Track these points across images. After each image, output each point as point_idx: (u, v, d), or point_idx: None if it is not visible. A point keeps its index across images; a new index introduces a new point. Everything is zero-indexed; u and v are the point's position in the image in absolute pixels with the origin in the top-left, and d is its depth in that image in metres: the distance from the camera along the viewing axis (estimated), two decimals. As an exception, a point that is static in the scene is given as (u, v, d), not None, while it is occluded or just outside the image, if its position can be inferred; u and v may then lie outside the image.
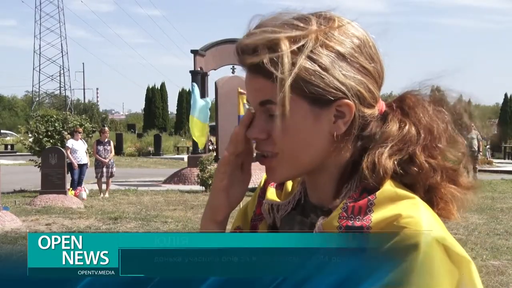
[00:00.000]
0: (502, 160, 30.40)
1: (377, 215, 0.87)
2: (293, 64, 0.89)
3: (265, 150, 0.96)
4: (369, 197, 0.89)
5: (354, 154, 0.96)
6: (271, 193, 1.09)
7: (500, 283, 6.33)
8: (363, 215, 0.88)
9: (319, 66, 0.90)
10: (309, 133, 0.92)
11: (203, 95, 18.27)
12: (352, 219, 0.88)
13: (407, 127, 0.95)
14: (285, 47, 0.89)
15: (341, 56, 0.91)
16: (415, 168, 0.92)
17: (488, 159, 27.09)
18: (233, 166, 1.03)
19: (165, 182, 17.94)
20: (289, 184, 1.08)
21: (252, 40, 0.91)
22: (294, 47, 0.89)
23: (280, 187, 1.10)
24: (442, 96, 0.99)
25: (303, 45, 0.90)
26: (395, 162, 0.92)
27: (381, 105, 0.99)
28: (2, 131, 52.36)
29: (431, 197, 0.94)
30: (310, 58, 0.90)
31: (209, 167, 15.33)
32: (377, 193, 0.89)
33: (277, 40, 0.89)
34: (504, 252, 7.85)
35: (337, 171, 0.97)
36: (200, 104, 14.18)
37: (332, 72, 0.90)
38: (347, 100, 0.91)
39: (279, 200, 1.07)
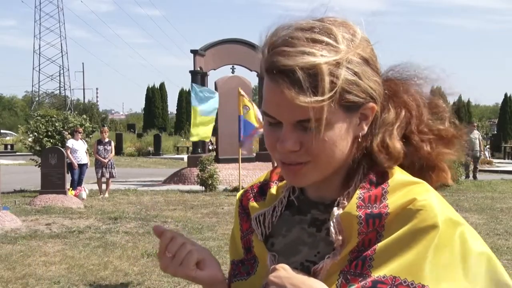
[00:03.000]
0: (502, 160, 30.38)
1: (392, 201, 0.92)
2: (333, 79, 0.89)
3: (297, 160, 0.95)
4: (382, 185, 0.94)
5: (362, 148, 0.99)
6: (255, 207, 1.10)
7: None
8: (379, 203, 0.92)
9: (355, 75, 0.92)
10: (343, 139, 0.94)
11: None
12: (369, 207, 0.92)
13: (403, 112, 1.00)
14: (326, 70, 0.88)
15: (366, 61, 0.94)
16: (411, 149, 0.99)
17: (488, 159, 27.06)
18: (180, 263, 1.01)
19: (165, 182, 17.93)
20: (274, 190, 1.09)
21: (291, 62, 0.88)
22: (333, 69, 0.89)
23: (260, 198, 1.11)
24: (412, 71, 1.04)
25: (340, 64, 0.90)
26: (401, 144, 0.98)
27: None
28: (2, 131, 52.32)
29: (425, 163, 1.00)
30: (347, 68, 0.91)
31: (209, 167, 15.33)
32: (389, 181, 0.94)
33: (319, 66, 0.88)
34: (504, 252, 7.84)
35: (344, 167, 0.99)
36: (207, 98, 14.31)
37: (364, 79, 0.93)
38: (372, 103, 0.95)
39: (263, 208, 1.08)
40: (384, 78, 1.02)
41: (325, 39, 0.91)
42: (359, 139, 0.97)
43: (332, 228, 0.94)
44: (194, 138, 15.38)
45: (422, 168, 1.00)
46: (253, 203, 1.10)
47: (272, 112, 0.94)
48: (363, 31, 0.97)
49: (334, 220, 0.94)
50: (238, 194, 1.16)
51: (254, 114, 12.42)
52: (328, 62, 0.89)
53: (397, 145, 0.97)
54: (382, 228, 0.90)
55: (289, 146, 0.93)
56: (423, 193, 0.91)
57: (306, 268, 0.97)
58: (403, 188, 0.93)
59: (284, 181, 1.09)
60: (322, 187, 1.01)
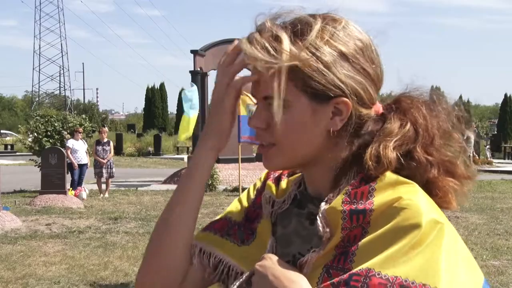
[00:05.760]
0: (502, 160, 30.36)
1: (378, 199, 0.92)
2: (293, 58, 0.93)
3: (264, 140, 1.00)
4: (370, 183, 0.94)
5: (352, 150, 1.00)
6: (270, 187, 1.13)
7: (500, 283, 6.33)
8: (365, 199, 0.93)
9: (322, 63, 0.94)
10: (306, 127, 0.97)
11: (203, 95, 18.29)
12: (355, 203, 0.93)
13: (408, 125, 0.99)
14: (286, 42, 0.93)
15: (344, 56, 0.96)
16: (413, 163, 0.97)
17: (488, 159, 27.06)
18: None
19: (165, 182, 17.92)
20: (284, 183, 1.12)
21: (252, 52, 0.95)
22: (298, 41, 0.94)
23: (276, 182, 1.13)
24: (437, 96, 1.04)
25: (305, 40, 0.94)
26: (398, 155, 0.97)
27: (378, 107, 1.03)
28: (2, 131, 52.35)
29: (429, 188, 0.98)
30: (313, 54, 0.94)
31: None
32: (378, 179, 0.94)
33: (280, 35, 0.94)
34: (504, 252, 7.85)
35: (335, 165, 1.00)
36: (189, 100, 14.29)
37: (334, 70, 0.94)
38: (345, 98, 0.96)
39: (275, 196, 1.11)
40: (403, 93, 1.04)
41: (304, 19, 0.96)
42: (332, 135, 0.97)
43: (319, 222, 0.96)
44: (182, 137, 15.42)
45: (427, 184, 0.98)
46: (270, 183, 1.13)
47: (251, 89, 1.01)
48: (361, 32, 0.99)
49: (320, 215, 0.96)
50: (264, 173, 1.17)
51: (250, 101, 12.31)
52: (291, 32, 0.94)
53: (390, 155, 0.96)
54: (367, 225, 0.91)
55: (254, 122, 1.00)
56: (410, 193, 0.91)
57: (297, 261, 0.98)
58: (391, 187, 0.93)
59: (294, 176, 1.12)
60: (317, 183, 1.03)
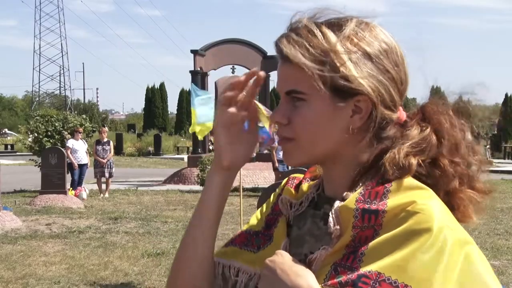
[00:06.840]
0: (502, 160, 30.34)
1: (392, 201, 0.91)
2: (322, 56, 0.95)
3: (284, 135, 1.01)
4: (386, 185, 0.94)
5: (373, 152, 0.99)
6: (288, 191, 1.13)
7: (500, 283, 6.32)
8: (379, 200, 0.93)
9: (342, 62, 0.95)
10: (326, 123, 0.97)
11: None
12: (368, 203, 0.93)
13: (427, 130, 0.98)
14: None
15: (368, 55, 0.97)
16: (437, 171, 0.96)
17: (488, 159, 27.01)
18: (234, 124, 1.05)
19: (165, 182, 17.93)
20: (305, 186, 1.12)
21: (289, 51, 0.97)
22: (324, 42, 0.96)
23: (296, 187, 1.13)
24: (464, 107, 1.03)
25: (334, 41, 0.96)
26: (419, 161, 0.96)
27: (402, 114, 1.02)
28: (5, 131, 52.33)
29: (450, 200, 0.97)
30: (336, 54, 0.95)
31: (209, 167, 15.31)
32: (393, 182, 0.94)
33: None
34: (504, 252, 7.86)
35: (355, 166, 1.00)
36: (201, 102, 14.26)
37: (356, 68, 0.95)
38: (365, 96, 0.96)
39: (293, 198, 1.12)
40: (430, 99, 1.03)
41: (335, 21, 0.98)
42: (352, 132, 0.97)
43: (330, 219, 0.96)
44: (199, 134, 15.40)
45: (447, 195, 0.97)
46: (289, 188, 1.13)
47: (276, 84, 1.02)
48: (387, 35, 1.00)
49: (333, 212, 0.96)
50: (285, 179, 1.18)
51: (262, 111, 12.25)
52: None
53: (410, 160, 0.95)
54: (380, 227, 0.91)
55: (277, 117, 1.01)
56: (425, 198, 0.91)
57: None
58: (407, 190, 0.93)
59: (315, 180, 1.12)
60: (335, 183, 1.03)
